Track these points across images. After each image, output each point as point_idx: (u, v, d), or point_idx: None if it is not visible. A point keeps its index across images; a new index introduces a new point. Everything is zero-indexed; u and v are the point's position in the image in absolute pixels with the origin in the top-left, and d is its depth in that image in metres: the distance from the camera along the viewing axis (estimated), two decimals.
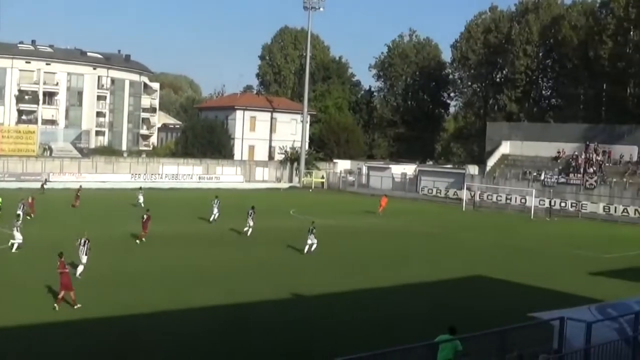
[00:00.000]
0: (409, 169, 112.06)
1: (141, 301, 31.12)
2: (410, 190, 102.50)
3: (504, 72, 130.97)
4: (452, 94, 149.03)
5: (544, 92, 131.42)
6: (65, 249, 33.26)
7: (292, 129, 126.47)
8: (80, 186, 75.30)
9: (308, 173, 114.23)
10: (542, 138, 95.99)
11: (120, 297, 31.78)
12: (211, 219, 59.81)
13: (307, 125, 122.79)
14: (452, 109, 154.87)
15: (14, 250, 42.06)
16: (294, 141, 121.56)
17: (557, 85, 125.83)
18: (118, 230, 51.94)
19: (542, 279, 40.37)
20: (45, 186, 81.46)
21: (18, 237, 42.62)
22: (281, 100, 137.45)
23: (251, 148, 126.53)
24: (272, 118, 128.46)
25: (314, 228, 46.44)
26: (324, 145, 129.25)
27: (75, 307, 29.26)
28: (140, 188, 75.32)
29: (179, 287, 34.55)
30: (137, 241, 47.54)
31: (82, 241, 35.99)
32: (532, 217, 78.99)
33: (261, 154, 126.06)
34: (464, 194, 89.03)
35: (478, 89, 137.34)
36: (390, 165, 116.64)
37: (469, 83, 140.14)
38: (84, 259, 35.64)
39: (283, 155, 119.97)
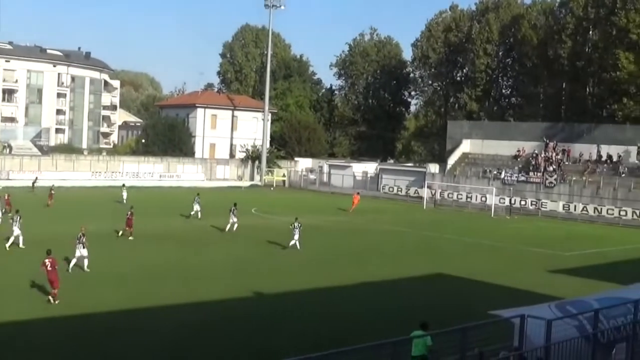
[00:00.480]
0: (370, 167, 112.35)
1: (113, 299, 30.96)
2: (371, 189, 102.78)
3: (465, 70, 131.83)
4: (412, 93, 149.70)
5: (504, 90, 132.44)
6: (54, 247, 33.40)
7: (254, 127, 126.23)
8: (53, 185, 74.70)
9: (269, 171, 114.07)
10: (502, 137, 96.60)
11: (90, 294, 31.61)
12: (192, 212, 61.32)
13: (269, 124, 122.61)
14: (413, 108, 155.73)
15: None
16: (255, 139, 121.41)
17: (517, 84, 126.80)
18: (103, 227, 51.51)
19: (502, 276, 40.63)
20: (35, 184, 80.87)
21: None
22: (242, 98, 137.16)
23: (212, 146, 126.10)
24: (233, 116, 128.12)
25: (300, 224, 47.60)
26: (285, 143, 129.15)
27: (55, 302, 29.72)
28: (124, 185, 75.71)
29: (143, 285, 34.37)
30: (130, 238, 48.27)
31: (79, 236, 36.58)
32: (492, 215, 79.50)
33: (222, 152, 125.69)
34: (425, 192, 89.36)
35: (439, 88, 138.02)
36: (352, 164, 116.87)
37: (430, 82, 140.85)
38: (84, 252, 36.34)
39: (244, 154, 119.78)
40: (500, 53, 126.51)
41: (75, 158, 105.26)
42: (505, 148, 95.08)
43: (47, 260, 30.38)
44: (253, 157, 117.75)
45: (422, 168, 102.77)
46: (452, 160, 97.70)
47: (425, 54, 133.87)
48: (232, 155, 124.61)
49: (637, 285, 25.27)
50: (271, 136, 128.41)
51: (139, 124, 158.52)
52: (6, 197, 59.79)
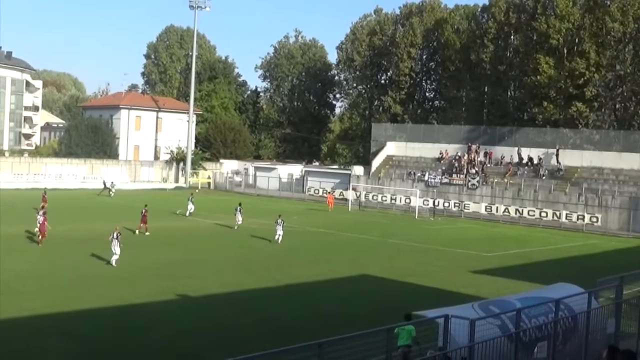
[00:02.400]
0: (296, 169, 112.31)
1: (40, 303, 30.14)
2: (297, 191, 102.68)
3: (389, 74, 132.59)
4: (337, 95, 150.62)
5: (427, 94, 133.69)
6: None
7: (178, 129, 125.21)
8: None
9: (194, 173, 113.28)
10: (425, 139, 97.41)
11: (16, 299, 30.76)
12: (187, 213, 67.61)
13: (193, 125, 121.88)
14: (338, 110, 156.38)
15: None
16: (179, 141, 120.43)
17: (440, 88, 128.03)
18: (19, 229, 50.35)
19: (426, 277, 40.83)
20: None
21: None
22: (167, 99, 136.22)
23: (136, 148, 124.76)
24: (157, 117, 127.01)
25: (283, 221, 52.31)
26: (210, 145, 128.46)
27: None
28: (112, 183, 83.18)
29: (68, 289, 33.64)
30: (147, 233, 53.03)
31: (115, 234, 40.35)
32: (416, 216, 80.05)
33: (147, 154, 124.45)
34: (350, 194, 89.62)
35: (363, 91, 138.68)
36: (277, 166, 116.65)
37: (355, 84, 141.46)
38: (117, 250, 40.06)
39: (169, 155, 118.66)
40: (424, 57, 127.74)
41: None
42: (428, 150, 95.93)
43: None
44: (178, 159, 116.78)
45: (347, 170, 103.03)
46: (376, 163, 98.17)
47: (350, 57, 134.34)
48: (156, 157, 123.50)
49: (558, 285, 25.53)
50: (196, 138, 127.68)
51: (61, 125, 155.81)
52: None
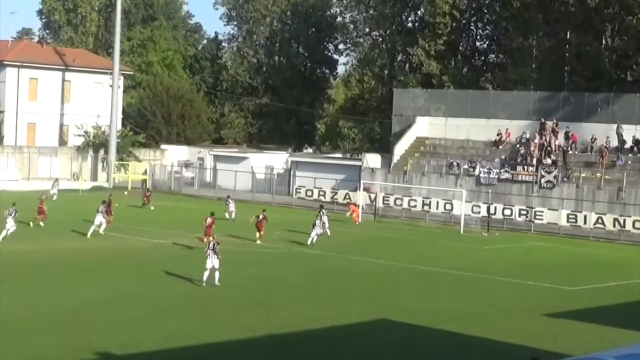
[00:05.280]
0: (278, 159, 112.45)
1: None
2: (279, 192, 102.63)
3: (420, 13, 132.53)
4: (341, 47, 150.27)
5: (478, 43, 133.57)
6: None
7: (96, 98, 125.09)
8: None
9: (121, 166, 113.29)
10: (475, 113, 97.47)
11: None
12: (228, 216, 79.85)
13: (120, 92, 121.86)
14: (341, 70, 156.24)
15: None
16: (99, 116, 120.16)
17: (497, 34, 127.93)
18: None
19: (476, 324, 40.92)
20: None
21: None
22: (78, 52, 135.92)
23: (31, 127, 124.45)
24: (63, 80, 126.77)
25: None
26: (146, 123, 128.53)
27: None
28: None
29: None
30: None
31: (212, 245, 48.24)
32: (461, 231, 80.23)
33: (47, 137, 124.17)
34: (361, 198, 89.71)
35: (380, 39, 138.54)
36: (249, 154, 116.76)
37: (367, 29, 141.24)
38: (216, 263, 47.28)
39: (82, 139, 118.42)
40: None
41: None
42: (480, 130, 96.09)
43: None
44: (96, 144, 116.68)
45: (355, 161, 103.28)
46: (400, 149, 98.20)
47: None
48: (63, 142, 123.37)
49: None
50: (124, 112, 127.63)
51: None
52: None
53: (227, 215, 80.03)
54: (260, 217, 66.88)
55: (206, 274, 47.05)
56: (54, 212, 71.13)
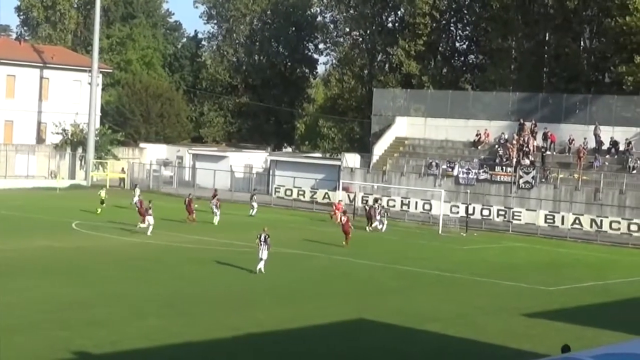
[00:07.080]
0: (257, 158, 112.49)
1: None
2: (258, 192, 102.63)
3: (400, 13, 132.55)
4: (321, 46, 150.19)
5: (458, 44, 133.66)
6: None
7: (75, 95, 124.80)
8: None
9: (100, 164, 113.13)
10: (455, 113, 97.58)
11: None
12: (252, 212, 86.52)
13: (99, 90, 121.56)
14: (321, 69, 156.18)
15: None
16: (77, 114, 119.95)
17: (477, 35, 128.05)
18: None
19: (455, 324, 41.09)
20: None
21: None
22: (57, 49, 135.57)
23: (8, 125, 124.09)
24: (41, 77, 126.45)
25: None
26: (125, 121, 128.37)
27: None
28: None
29: None
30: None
31: (263, 237, 51.72)
32: (440, 231, 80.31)
33: (24, 134, 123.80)
34: (339, 197, 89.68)
35: (360, 39, 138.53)
36: (228, 154, 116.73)
37: (348, 29, 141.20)
38: (265, 254, 51.70)
39: (60, 137, 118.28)
40: None
41: None
42: (459, 130, 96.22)
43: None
44: (74, 142, 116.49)
45: (335, 160, 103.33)
46: (380, 149, 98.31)
47: None
48: (40, 140, 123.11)
49: None
50: (103, 110, 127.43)
51: None
52: None
53: (251, 212, 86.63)
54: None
55: (261, 263, 51.51)
56: (32, 211, 70.90)
